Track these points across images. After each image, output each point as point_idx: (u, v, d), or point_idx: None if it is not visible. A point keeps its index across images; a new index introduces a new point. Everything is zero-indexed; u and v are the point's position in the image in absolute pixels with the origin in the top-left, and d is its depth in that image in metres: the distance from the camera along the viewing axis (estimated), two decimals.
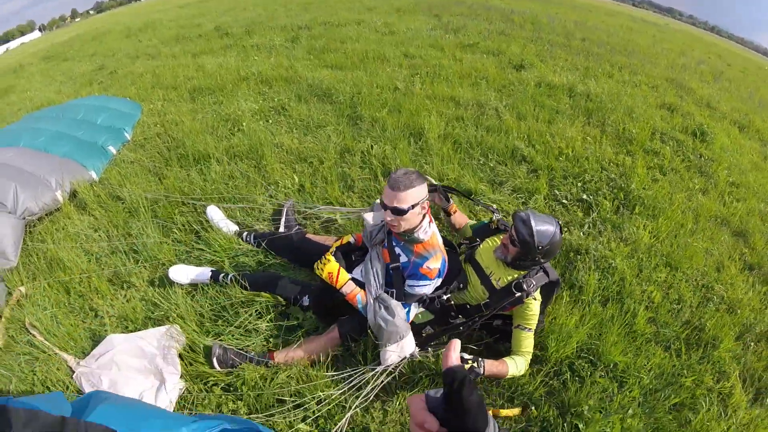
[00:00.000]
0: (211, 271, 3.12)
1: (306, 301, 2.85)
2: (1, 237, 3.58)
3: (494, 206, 3.06)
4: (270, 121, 5.62)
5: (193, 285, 3.14)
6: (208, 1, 26.58)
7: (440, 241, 2.62)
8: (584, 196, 4.22)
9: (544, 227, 2.45)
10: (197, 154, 4.74)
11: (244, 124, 5.42)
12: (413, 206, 2.35)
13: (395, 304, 2.51)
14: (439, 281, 2.60)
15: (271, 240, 3.29)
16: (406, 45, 9.43)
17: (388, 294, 2.59)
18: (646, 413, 2.54)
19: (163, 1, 48.93)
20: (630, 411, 2.50)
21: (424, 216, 2.47)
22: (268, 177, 4.30)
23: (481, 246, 2.84)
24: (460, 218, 3.12)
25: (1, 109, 9.77)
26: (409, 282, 2.57)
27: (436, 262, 2.50)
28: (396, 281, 2.60)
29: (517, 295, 2.50)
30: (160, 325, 2.91)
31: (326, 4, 16.72)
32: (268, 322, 2.86)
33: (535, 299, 2.57)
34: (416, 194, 2.34)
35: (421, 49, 9.08)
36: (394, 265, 2.61)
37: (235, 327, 2.83)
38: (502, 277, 2.64)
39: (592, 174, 4.58)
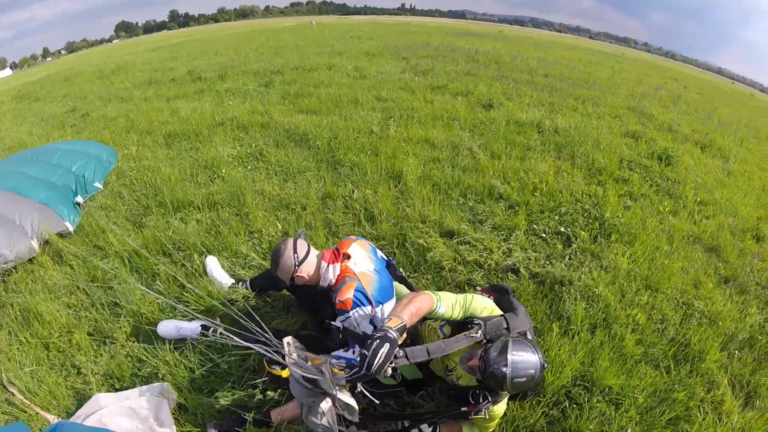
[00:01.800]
0: (201, 325, 3.05)
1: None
2: None
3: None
4: (249, 167, 5.72)
5: (182, 339, 3.08)
6: (180, 46, 27.05)
7: (356, 270, 2.67)
8: (562, 229, 4.38)
9: (521, 380, 2.05)
10: (176, 202, 4.77)
11: (223, 170, 5.49)
12: (291, 281, 2.73)
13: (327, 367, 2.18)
14: (367, 309, 2.53)
15: (267, 280, 3.26)
16: (377, 88, 9.72)
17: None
18: (644, 431, 2.64)
19: (134, 43, 49.23)
20: (629, 431, 2.59)
21: (318, 270, 2.73)
22: (251, 225, 4.35)
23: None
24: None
25: None
26: (336, 322, 2.58)
27: (346, 293, 2.53)
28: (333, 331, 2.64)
29: (462, 410, 2.35)
30: (148, 382, 2.82)
31: (297, 49, 17.21)
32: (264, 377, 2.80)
33: (484, 418, 2.30)
34: (282, 275, 2.71)
35: (392, 92, 9.37)
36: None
37: (229, 384, 2.81)
38: (464, 377, 2.44)
39: (568, 206, 4.75)
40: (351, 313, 2.51)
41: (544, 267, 3.78)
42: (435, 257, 3.81)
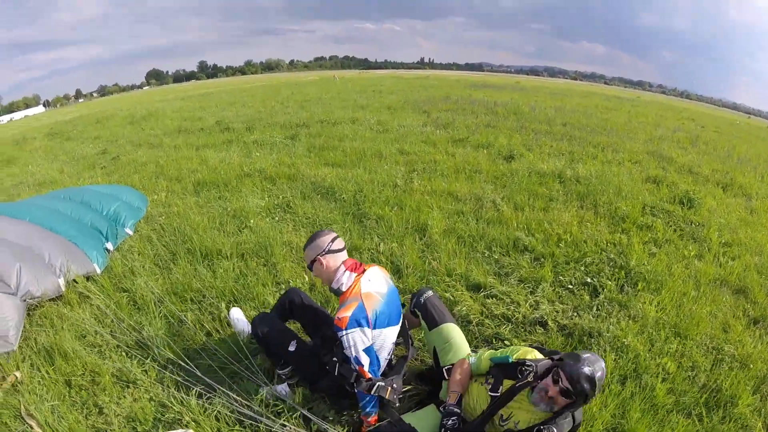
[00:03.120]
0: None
1: (292, 346, 3.02)
2: (3, 319, 3.47)
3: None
4: (276, 218, 5.86)
5: (209, 388, 3.02)
6: (208, 96, 27.79)
7: (367, 287, 2.75)
8: (588, 279, 4.43)
9: (601, 374, 2.18)
10: (205, 250, 4.89)
11: (251, 220, 5.64)
12: (312, 262, 2.82)
13: None
14: (365, 332, 2.63)
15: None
16: (400, 142, 9.97)
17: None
18: None
19: (164, 91, 50.46)
20: None
21: (337, 270, 2.81)
22: (278, 276, 4.43)
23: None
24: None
25: (1, 179, 10.03)
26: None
27: (346, 311, 2.60)
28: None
29: None
30: (171, 428, 2.80)
31: (321, 103, 17.69)
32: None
33: None
34: (310, 252, 2.83)
35: (414, 146, 9.59)
36: None
37: None
38: (523, 419, 2.40)
39: (593, 256, 4.81)
40: (344, 332, 2.59)
41: (571, 319, 3.82)
42: (462, 311, 3.85)
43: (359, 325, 2.61)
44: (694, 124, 20.42)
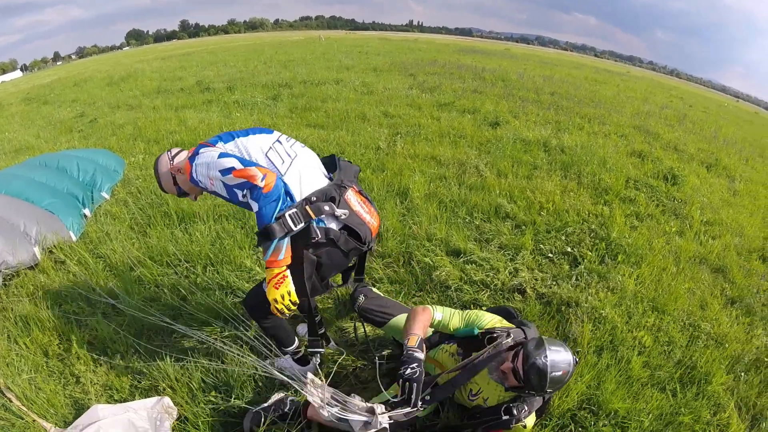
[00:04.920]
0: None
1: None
2: None
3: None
4: None
5: (184, 354, 2.94)
6: (189, 56, 27.30)
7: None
8: (569, 249, 4.38)
9: (558, 373, 2.07)
10: (181, 213, 4.80)
11: None
12: (176, 185, 2.48)
13: None
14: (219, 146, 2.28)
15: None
16: (385, 104, 9.85)
17: None
18: None
19: (144, 51, 49.53)
20: None
21: (194, 174, 2.25)
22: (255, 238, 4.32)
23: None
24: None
25: None
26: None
27: (228, 162, 2.16)
28: None
29: (504, 418, 2.25)
30: (148, 396, 2.76)
31: (305, 63, 17.43)
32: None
33: (524, 426, 2.29)
34: (166, 183, 2.50)
35: (399, 109, 9.48)
36: None
37: (234, 399, 2.70)
38: (492, 396, 2.38)
39: (574, 226, 4.75)
40: (200, 155, 2.23)
41: (550, 288, 3.78)
42: (441, 276, 3.80)
43: (211, 143, 2.31)
44: (683, 103, 20.49)
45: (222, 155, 2.18)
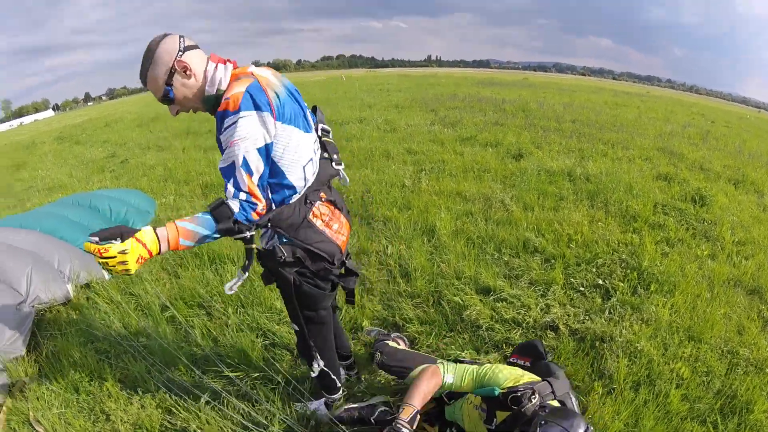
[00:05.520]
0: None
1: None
2: (12, 325, 3.53)
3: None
4: None
5: (215, 395, 2.96)
6: None
7: (257, 72, 2.01)
8: (600, 281, 4.35)
9: None
10: (212, 254, 4.86)
11: None
12: (169, 77, 1.89)
13: None
14: (265, 119, 1.85)
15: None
16: (408, 141, 9.98)
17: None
18: None
19: None
20: None
21: (206, 69, 1.96)
22: None
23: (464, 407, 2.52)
24: None
25: (11, 184, 10.28)
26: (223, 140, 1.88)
27: (235, 87, 1.85)
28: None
29: None
30: None
31: (328, 102, 17.75)
32: None
33: None
34: (160, 64, 1.88)
35: (422, 145, 9.59)
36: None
37: None
38: None
39: (604, 257, 4.72)
40: (239, 116, 1.79)
41: (583, 323, 3.75)
42: (472, 316, 3.79)
43: (258, 108, 1.83)
44: (704, 119, 20.21)
45: (260, 151, 1.87)
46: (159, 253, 1.83)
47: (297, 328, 2.38)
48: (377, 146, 9.44)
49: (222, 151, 1.91)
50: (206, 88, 1.95)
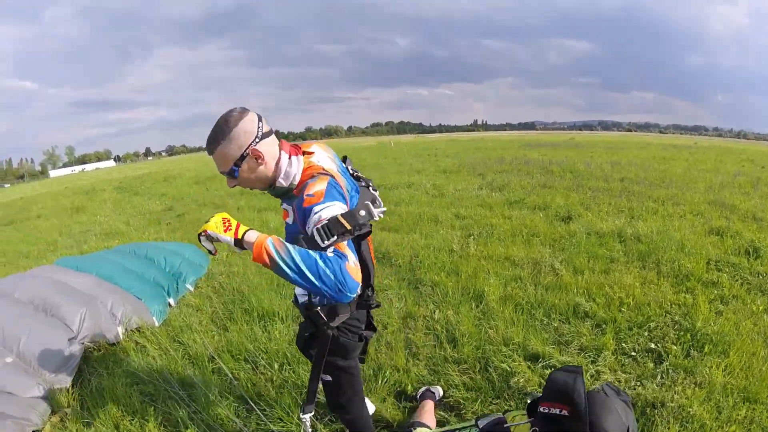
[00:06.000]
0: None
1: None
2: (61, 357, 3.83)
3: None
4: None
5: None
6: None
7: (327, 166, 2.08)
8: (652, 345, 4.33)
9: None
10: (261, 311, 5.06)
11: None
12: (240, 159, 1.92)
13: None
14: (339, 205, 1.86)
15: None
16: (456, 206, 10.22)
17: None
18: None
19: None
20: None
21: (279, 159, 2.01)
22: None
23: None
24: None
25: (69, 226, 11.00)
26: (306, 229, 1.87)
27: (317, 185, 1.88)
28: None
29: None
30: None
31: (378, 168, 18.38)
32: None
33: None
34: (234, 144, 1.89)
35: (470, 209, 9.78)
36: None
37: None
38: None
39: (657, 320, 4.72)
40: (321, 207, 1.81)
41: (635, 389, 3.74)
42: (519, 383, 3.82)
43: (336, 198, 1.89)
44: (754, 165, 19.72)
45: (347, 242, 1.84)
46: (242, 238, 1.83)
47: (330, 379, 2.45)
48: (425, 211, 9.69)
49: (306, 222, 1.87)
50: (279, 179, 2.01)
